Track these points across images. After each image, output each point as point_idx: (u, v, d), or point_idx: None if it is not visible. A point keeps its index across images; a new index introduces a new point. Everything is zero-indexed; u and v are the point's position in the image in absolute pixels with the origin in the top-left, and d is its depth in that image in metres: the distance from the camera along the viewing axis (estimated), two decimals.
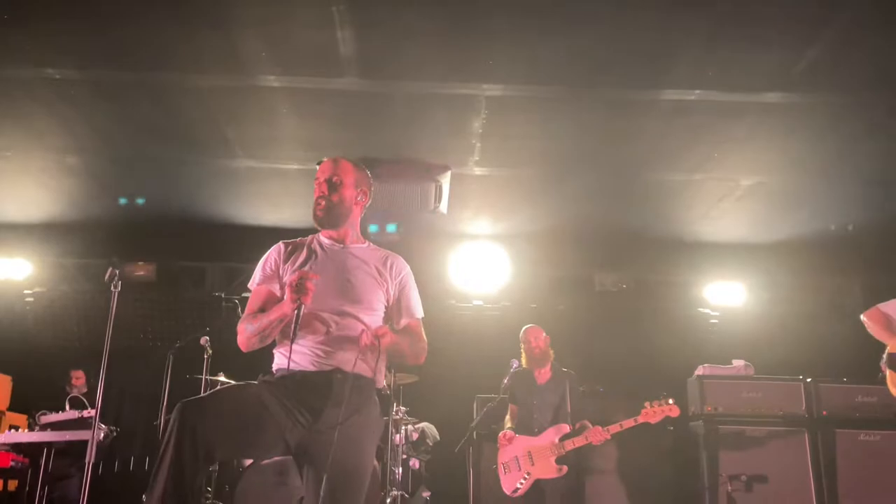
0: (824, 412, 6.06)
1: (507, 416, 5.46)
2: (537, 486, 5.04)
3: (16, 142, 5.37)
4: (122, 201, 5.82)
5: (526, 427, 5.25)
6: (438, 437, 6.59)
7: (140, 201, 5.82)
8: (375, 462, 5.45)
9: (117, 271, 3.93)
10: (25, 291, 7.22)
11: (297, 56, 4.29)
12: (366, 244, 2.96)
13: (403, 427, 6.01)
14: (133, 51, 4.26)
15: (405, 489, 5.87)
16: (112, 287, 3.96)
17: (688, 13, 3.83)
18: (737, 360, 6.34)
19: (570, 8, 3.82)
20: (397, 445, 5.83)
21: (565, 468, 5.00)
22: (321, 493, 2.52)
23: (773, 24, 3.90)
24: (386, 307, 2.88)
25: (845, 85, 4.42)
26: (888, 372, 4.57)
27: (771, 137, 5.09)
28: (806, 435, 5.98)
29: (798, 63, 4.19)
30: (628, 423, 5.09)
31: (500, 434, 5.27)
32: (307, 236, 2.97)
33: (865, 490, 5.81)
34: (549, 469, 5.01)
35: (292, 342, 2.63)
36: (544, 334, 5.47)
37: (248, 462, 5.43)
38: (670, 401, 5.11)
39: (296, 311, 2.58)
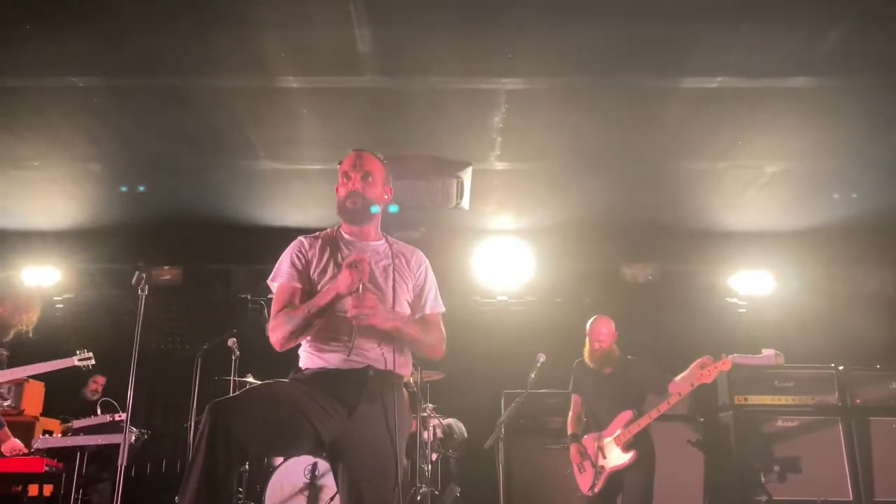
0: (858, 400, 5.98)
1: (571, 411, 5.38)
2: (613, 478, 4.99)
3: (42, 152, 5.45)
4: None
5: (597, 418, 5.20)
6: (466, 434, 6.59)
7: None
8: (405, 459, 5.46)
9: (144, 275, 3.96)
10: (55, 298, 7.31)
11: (315, 56, 4.29)
12: (383, 240, 2.94)
13: (431, 423, 6.01)
14: (154, 56, 4.29)
15: (435, 486, 5.87)
16: (139, 291, 3.98)
17: None
18: (766, 349, 6.24)
19: None
20: (426, 442, 5.84)
21: (634, 453, 4.93)
22: (356, 489, 2.54)
23: (795, 5, 3.82)
24: (409, 302, 2.87)
25: (871, 66, 4.33)
26: None
27: (796, 123, 5.01)
28: (840, 424, 5.91)
29: (822, 45, 4.12)
30: (685, 387, 4.83)
31: (571, 449, 5.22)
32: (325, 230, 2.95)
33: None
34: (619, 458, 4.97)
35: (354, 330, 2.61)
36: (610, 329, 5.21)
37: (279, 461, 5.47)
38: (723, 355, 4.97)
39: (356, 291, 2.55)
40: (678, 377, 4.91)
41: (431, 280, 2.94)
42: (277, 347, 2.69)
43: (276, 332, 2.66)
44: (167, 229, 6.82)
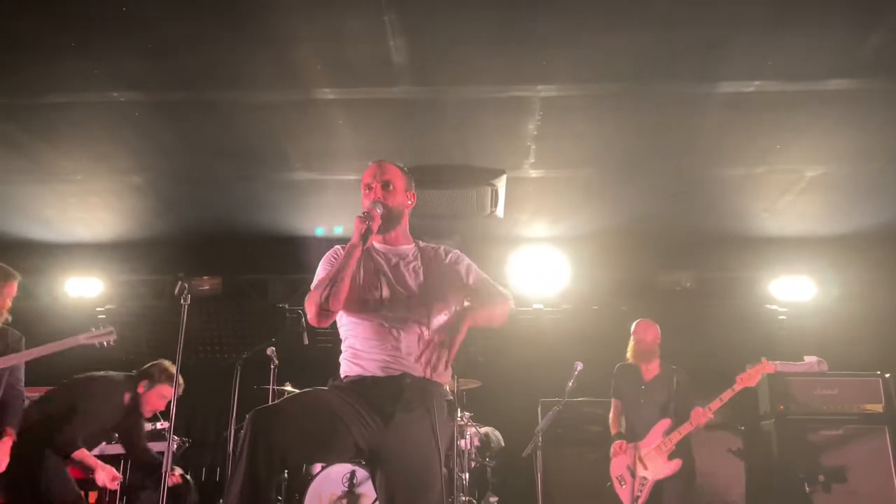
0: None
1: (612, 413, 5.39)
2: (656, 488, 4.95)
3: (84, 165, 5.56)
4: None
5: (633, 427, 5.18)
6: (503, 443, 6.56)
7: None
8: (443, 468, 5.46)
9: (186, 285, 4.01)
10: (98, 308, 7.45)
11: (350, 68, 4.33)
12: (413, 245, 2.97)
13: (468, 432, 6.00)
14: (192, 71, 4.37)
15: (472, 495, 5.85)
16: (182, 301, 4.04)
17: (742, 2, 3.74)
18: (809, 357, 6.14)
19: (621, 4, 3.77)
20: (463, 451, 5.83)
21: (678, 461, 4.88)
22: (393, 498, 2.55)
23: (834, 8, 3.77)
24: (443, 294, 2.84)
25: None
26: None
27: (835, 126, 4.91)
28: (887, 433, 5.76)
29: (862, 48, 4.05)
30: (727, 393, 4.93)
31: (614, 445, 5.20)
32: None
33: None
34: (662, 468, 4.92)
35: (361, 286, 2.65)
36: (654, 329, 5.34)
37: (317, 469, 5.50)
38: (763, 359, 4.94)
39: (362, 238, 2.64)
40: (707, 406, 4.93)
41: (465, 259, 2.94)
42: (314, 320, 2.65)
43: (311, 303, 2.64)
44: (206, 240, 6.93)
